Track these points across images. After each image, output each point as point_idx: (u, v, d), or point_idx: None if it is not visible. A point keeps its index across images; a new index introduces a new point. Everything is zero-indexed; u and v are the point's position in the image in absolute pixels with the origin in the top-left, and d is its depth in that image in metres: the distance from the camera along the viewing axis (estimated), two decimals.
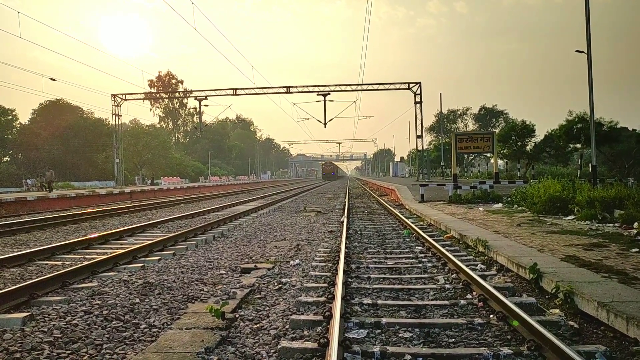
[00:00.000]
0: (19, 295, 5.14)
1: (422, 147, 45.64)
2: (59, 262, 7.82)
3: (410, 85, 41.67)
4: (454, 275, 6.20)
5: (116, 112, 43.28)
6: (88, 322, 4.51)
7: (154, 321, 4.59)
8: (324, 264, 7.26)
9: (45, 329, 4.30)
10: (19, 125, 70.18)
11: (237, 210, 17.67)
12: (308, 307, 4.95)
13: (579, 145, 42.33)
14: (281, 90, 41.31)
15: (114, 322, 4.54)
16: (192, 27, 29.09)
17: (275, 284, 6.14)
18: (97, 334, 4.21)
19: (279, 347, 3.82)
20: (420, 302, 5.06)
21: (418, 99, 41.69)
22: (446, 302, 5.04)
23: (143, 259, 7.92)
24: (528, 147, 48.11)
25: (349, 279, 6.08)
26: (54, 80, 34.12)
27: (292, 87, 41.13)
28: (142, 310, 4.93)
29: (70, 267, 6.78)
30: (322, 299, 5.14)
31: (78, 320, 4.55)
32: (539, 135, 48.38)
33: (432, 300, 5.22)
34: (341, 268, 6.09)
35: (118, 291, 5.68)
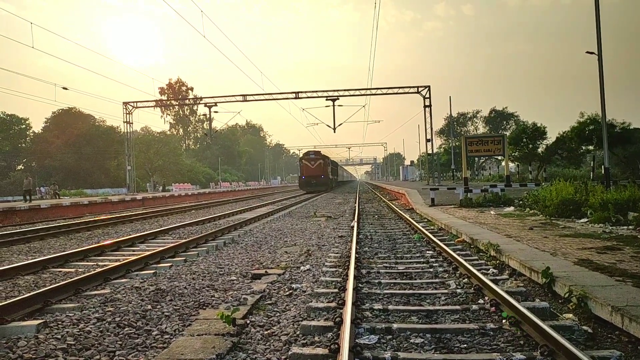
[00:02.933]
0: (33, 303, 5.20)
1: (432, 150, 45.47)
2: (73, 269, 7.90)
3: (420, 89, 41.55)
4: (466, 279, 6.16)
5: (127, 120, 43.72)
6: (101, 329, 4.55)
7: (165, 328, 4.62)
8: (334, 269, 7.25)
9: (59, 336, 4.35)
10: (32, 134, 71.27)
11: (248, 216, 17.73)
12: (319, 313, 4.95)
13: (591, 147, 41.88)
14: (290, 95, 41.45)
15: (126, 329, 4.57)
16: (201, 35, 29.24)
17: (286, 289, 6.14)
18: (109, 341, 4.25)
19: (290, 353, 3.82)
20: (431, 307, 5.04)
21: (427, 103, 41.55)
22: (458, 307, 5.00)
23: (155, 265, 7.97)
24: (539, 150, 47.70)
25: (360, 284, 6.07)
26: (66, 89, 34.62)
27: (301, 92, 41.24)
28: (154, 317, 4.96)
29: (83, 274, 6.85)
30: (333, 304, 5.13)
31: (91, 327, 4.59)
32: (551, 137, 47.96)
33: (443, 305, 5.19)
34: (351, 273, 6.08)
35: (130, 298, 5.72)
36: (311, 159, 45.45)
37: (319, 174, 44.86)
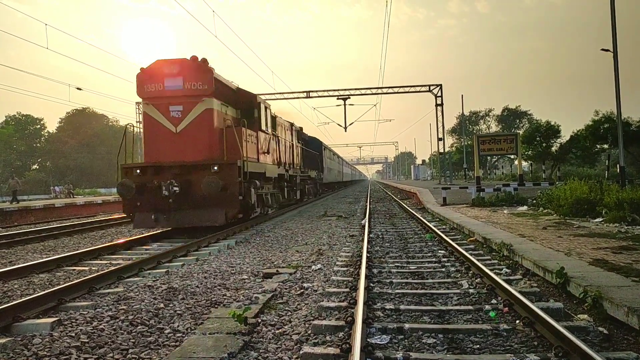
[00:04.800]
0: (47, 301, 5.27)
1: (444, 149, 45.19)
2: (86, 268, 7.98)
3: (431, 88, 41.32)
4: (478, 279, 6.11)
5: (140, 120, 44.10)
6: (114, 327, 4.59)
7: (178, 326, 4.65)
8: (345, 268, 7.24)
9: (73, 334, 4.39)
10: (47, 134, 72.33)
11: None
12: (330, 312, 4.94)
13: (606, 146, 41.31)
14: (301, 95, 41.47)
15: (139, 327, 4.61)
16: (213, 35, 29.30)
17: (297, 288, 6.14)
18: (122, 339, 4.28)
19: (301, 352, 3.82)
20: (443, 307, 5.00)
21: (439, 101, 41.31)
22: (470, 307, 4.96)
23: (167, 264, 8.03)
24: (553, 148, 47.19)
25: (371, 284, 6.05)
26: (80, 89, 35.05)
27: (312, 91, 41.25)
28: (167, 315, 4.99)
29: (96, 273, 6.91)
30: (344, 304, 5.12)
31: (104, 325, 4.64)
32: (565, 136, 47.49)
33: (455, 305, 5.14)
34: (363, 273, 6.06)
35: (143, 296, 5.77)
36: (165, 97, 11.08)
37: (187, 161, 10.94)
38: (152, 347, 4.12)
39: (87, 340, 4.23)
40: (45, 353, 3.95)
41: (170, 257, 8.45)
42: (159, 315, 4.98)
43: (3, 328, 4.50)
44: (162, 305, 5.37)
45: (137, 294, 5.91)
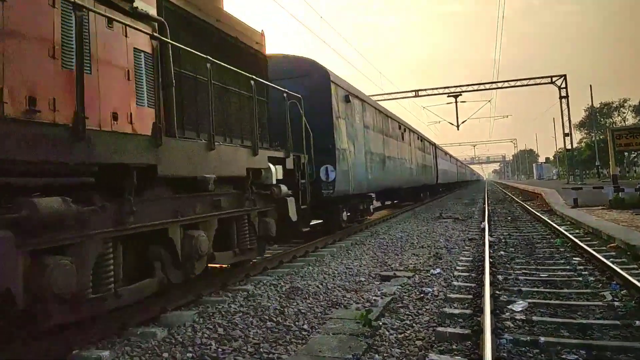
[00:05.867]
0: (188, 295, 5.80)
1: (572, 145, 41.23)
2: (217, 265, 8.64)
3: (554, 79, 38.01)
4: (624, 291, 5.46)
5: None
6: (246, 322, 4.92)
7: (302, 324, 4.83)
8: (466, 274, 6.94)
9: (211, 326, 4.79)
10: None
11: (371, 217, 17.79)
12: (454, 320, 4.77)
13: None
14: (409, 94, 40.83)
15: (267, 323, 4.88)
16: (321, 40, 30.19)
17: (417, 293, 6.03)
18: (254, 333, 4.57)
19: (427, 359, 3.73)
20: (584, 321, 4.55)
21: (563, 93, 37.86)
22: (617, 322, 4.45)
23: (288, 264, 8.40)
24: None
25: (497, 291, 5.72)
26: None
27: (421, 90, 40.40)
28: (291, 313, 5.22)
29: (227, 271, 7.45)
30: (468, 311, 4.92)
31: (237, 320, 4.99)
32: None
33: (598, 319, 4.65)
34: (487, 279, 5.78)
35: (269, 294, 6.10)
36: None
37: None
38: (280, 342, 4.33)
39: (223, 333, 4.59)
40: (189, 343, 4.36)
41: (291, 257, 8.83)
42: (285, 313, 5.23)
43: (153, 318, 5.06)
44: (286, 303, 5.63)
45: (264, 291, 6.27)
